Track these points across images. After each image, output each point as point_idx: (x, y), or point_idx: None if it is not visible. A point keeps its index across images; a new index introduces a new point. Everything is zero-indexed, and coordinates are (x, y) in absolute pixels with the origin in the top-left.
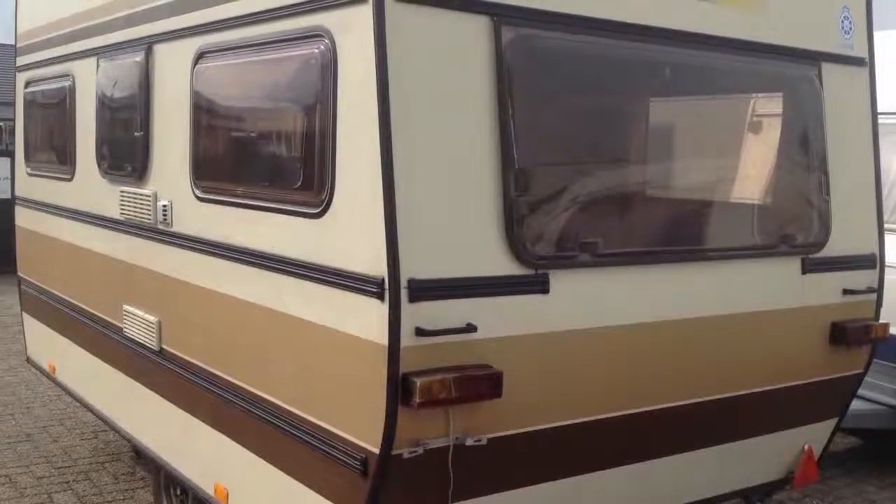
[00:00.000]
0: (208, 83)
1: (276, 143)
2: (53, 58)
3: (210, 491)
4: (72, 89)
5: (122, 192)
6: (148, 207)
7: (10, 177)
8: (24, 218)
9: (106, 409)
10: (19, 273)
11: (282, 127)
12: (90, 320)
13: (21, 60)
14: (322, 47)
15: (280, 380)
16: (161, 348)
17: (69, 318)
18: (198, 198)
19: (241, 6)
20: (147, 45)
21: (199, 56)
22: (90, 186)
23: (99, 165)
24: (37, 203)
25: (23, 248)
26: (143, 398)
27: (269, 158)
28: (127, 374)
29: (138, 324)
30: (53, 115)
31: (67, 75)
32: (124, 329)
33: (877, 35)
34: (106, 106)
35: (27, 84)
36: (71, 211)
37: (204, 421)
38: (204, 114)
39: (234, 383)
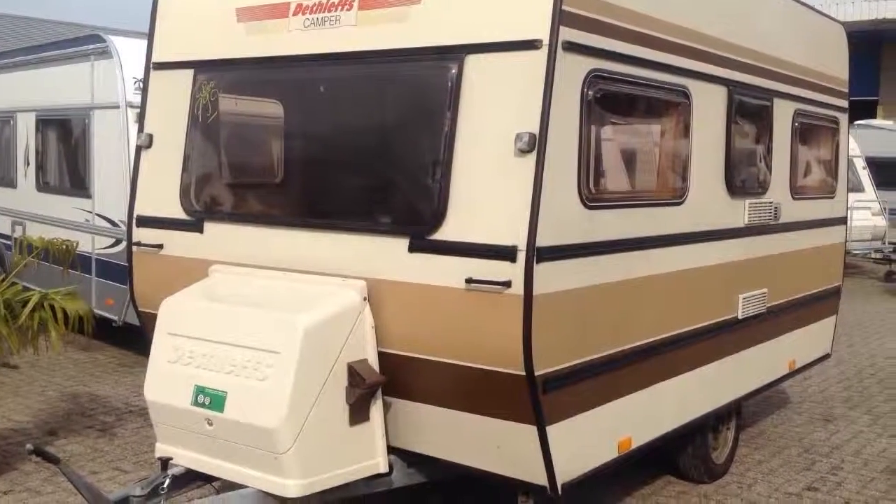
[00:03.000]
0: None
1: None
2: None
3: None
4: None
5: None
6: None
7: None
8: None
9: (681, 416)
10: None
11: None
12: (697, 333)
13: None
14: None
15: None
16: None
17: (660, 357)
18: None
19: None
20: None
21: None
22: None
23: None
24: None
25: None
26: (734, 363)
27: None
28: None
29: (752, 302)
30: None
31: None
32: (738, 315)
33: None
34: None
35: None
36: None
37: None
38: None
39: None
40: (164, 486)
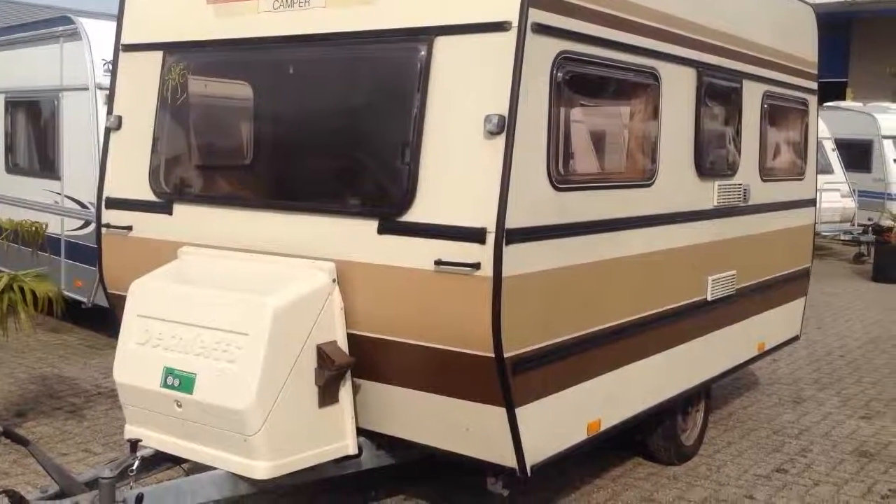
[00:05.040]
0: None
1: None
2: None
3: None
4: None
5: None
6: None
7: None
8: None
9: (650, 398)
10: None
11: None
12: (666, 315)
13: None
14: None
15: None
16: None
17: (630, 339)
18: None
19: None
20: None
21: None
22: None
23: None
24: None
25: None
26: (704, 345)
27: None
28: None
29: (722, 284)
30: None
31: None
32: (707, 297)
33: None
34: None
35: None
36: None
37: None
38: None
39: None
40: (134, 467)
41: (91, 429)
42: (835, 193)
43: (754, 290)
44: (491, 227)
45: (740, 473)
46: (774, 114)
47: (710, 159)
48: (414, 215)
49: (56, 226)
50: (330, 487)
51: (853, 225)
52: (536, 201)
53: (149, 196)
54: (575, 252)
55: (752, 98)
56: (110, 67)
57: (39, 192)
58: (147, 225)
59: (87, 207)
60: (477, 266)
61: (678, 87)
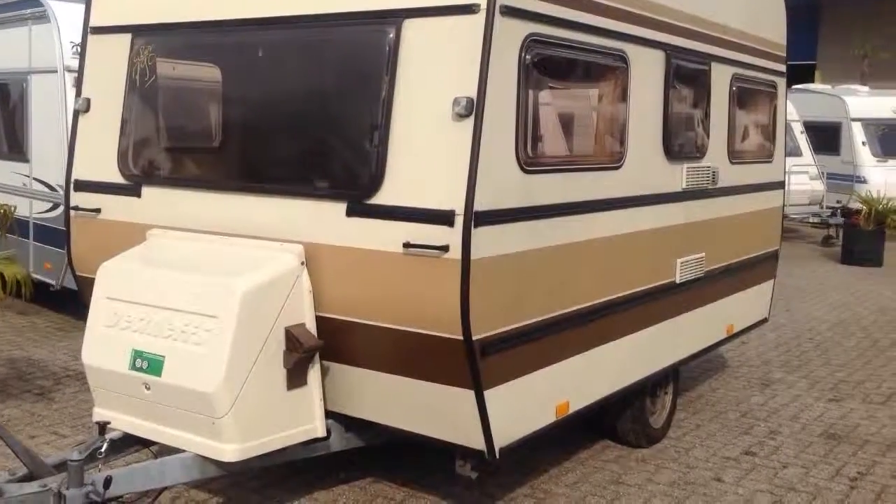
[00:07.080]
0: None
1: None
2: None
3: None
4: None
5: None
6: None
7: None
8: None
9: (619, 381)
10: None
11: None
12: (635, 297)
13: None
14: None
15: None
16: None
17: (598, 321)
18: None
19: None
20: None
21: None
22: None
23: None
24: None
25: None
26: (672, 328)
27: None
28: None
29: (690, 266)
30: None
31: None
32: (676, 279)
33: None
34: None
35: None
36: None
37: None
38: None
39: None
40: (102, 450)
41: (60, 411)
42: (803, 176)
43: (723, 273)
44: (459, 209)
45: (709, 456)
46: (743, 96)
47: (679, 142)
48: (382, 198)
49: (24, 208)
50: (299, 470)
51: (822, 207)
52: (505, 184)
53: (117, 178)
54: (543, 235)
55: (720, 80)
56: (79, 50)
57: (8, 175)
58: (115, 207)
59: (55, 190)
60: (445, 248)
61: (647, 70)
